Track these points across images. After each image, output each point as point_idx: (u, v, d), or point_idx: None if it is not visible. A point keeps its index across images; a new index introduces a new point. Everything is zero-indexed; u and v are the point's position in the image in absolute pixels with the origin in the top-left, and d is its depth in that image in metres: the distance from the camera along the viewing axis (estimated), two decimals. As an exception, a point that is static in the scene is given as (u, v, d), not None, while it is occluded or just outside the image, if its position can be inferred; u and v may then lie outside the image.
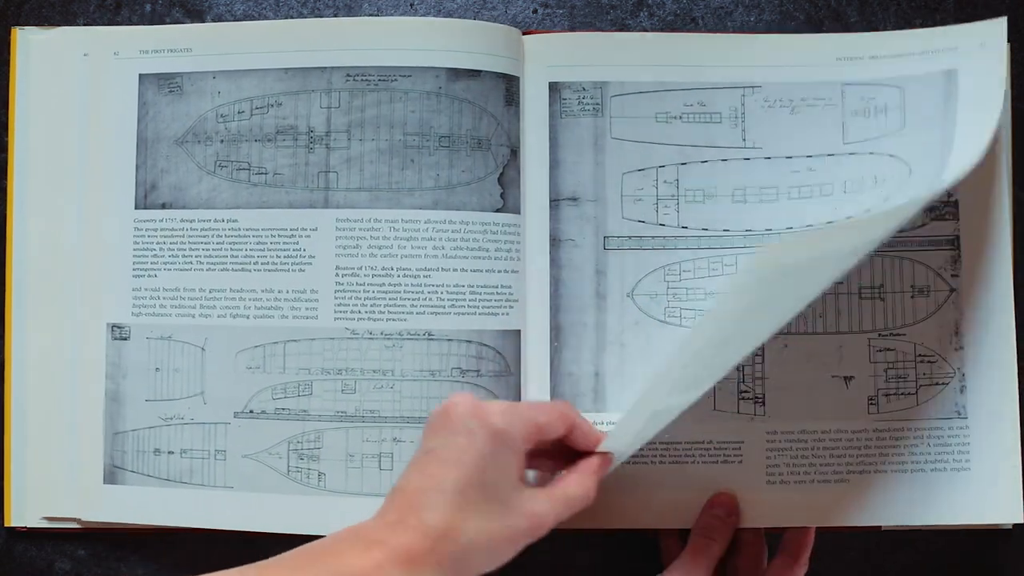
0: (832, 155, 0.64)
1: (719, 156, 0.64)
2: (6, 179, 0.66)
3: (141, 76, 0.65)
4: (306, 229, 0.64)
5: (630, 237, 0.64)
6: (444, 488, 0.50)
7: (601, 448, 0.56)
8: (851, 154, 0.63)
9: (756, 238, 0.64)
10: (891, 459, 0.62)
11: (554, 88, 0.65)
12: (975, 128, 0.59)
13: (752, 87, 0.64)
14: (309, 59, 0.64)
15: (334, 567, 0.49)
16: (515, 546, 0.52)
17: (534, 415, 0.53)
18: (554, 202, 0.64)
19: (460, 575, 0.50)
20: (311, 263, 0.63)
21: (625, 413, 0.55)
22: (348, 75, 0.64)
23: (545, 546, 0.66)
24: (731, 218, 0.64)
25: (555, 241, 0.64)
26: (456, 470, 0.50)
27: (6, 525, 0.65)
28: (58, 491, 0.64)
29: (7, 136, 0.65)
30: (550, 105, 0.65)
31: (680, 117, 0.64)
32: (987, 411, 0.63)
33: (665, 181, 0.64)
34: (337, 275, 0.63)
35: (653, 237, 0.64)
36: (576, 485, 0.55)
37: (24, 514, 0.64)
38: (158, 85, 0.65)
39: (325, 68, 0.64)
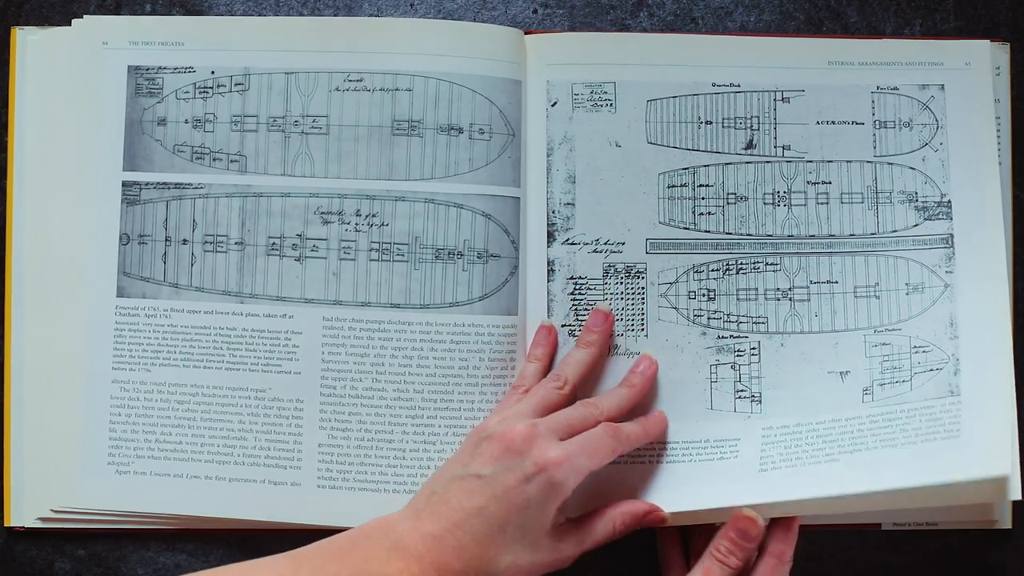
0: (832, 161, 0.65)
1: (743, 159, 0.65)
2: (6, 179, 0.65)
3: (130, 68, 0.65)
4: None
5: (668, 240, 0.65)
6: (488, 520, 0.53)
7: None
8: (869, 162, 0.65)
9: (795, 243, 0.65)
10: (881, 437, 0.62)
11: (560, 90, 0.65)
12: (971, 164, 0.63)
13: (781, 91, 0.65)
14: (307, 60, 0.64)
15: (371, 568, 0.52)
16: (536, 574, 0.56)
17: (587, 465, 0.56)
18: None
19: None
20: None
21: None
22: (349, 79, 0.64)
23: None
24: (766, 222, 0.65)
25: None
26: (503, 508, 0.53)
27: (6, 525, 0.65)
28: (58, 488, 0.64)
29: (7, 136, 0.65)
30: (550, 107, 0.65)
31: (709, 122, 0.65)
32: (980, 386, 0.62)
33: (701, 184, 0.65)
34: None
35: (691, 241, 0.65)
36: (604, 527, 0.58)
37: (23, 514, 0.64)
38: (137, 84, 0.65)
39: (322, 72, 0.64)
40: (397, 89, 0.64)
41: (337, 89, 0.64)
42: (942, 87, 0.64)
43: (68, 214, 0.65)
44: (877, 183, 0.64)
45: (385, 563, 0.52)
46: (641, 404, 0.63)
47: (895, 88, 0.64)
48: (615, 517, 0.59)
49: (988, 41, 0.65)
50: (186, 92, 0.65)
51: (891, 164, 0.64)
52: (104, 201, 0.65)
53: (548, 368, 0.63)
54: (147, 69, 0.65)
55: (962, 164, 0.64)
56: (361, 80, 0.64)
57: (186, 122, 0.65)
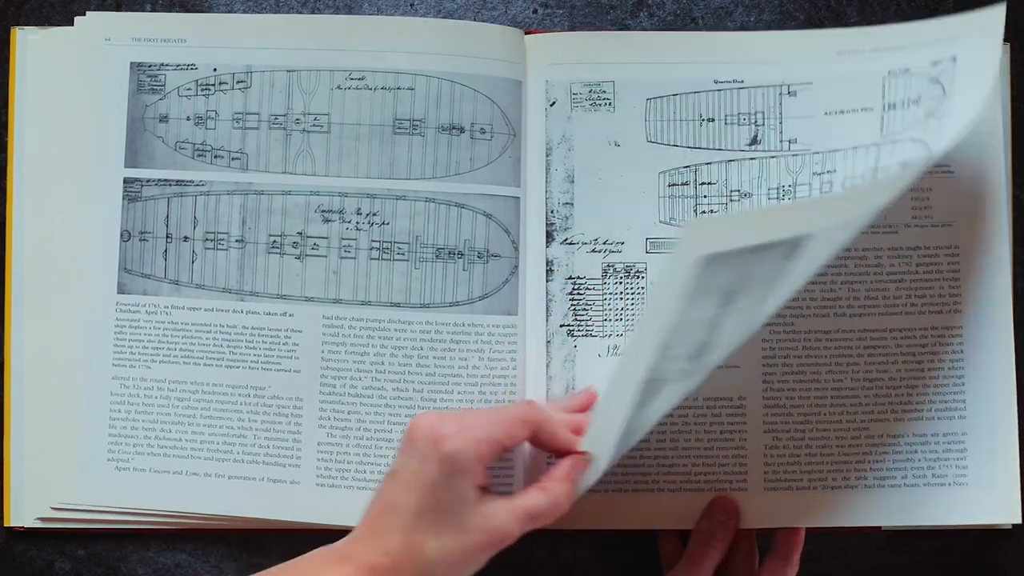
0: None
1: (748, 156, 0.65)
2: (6, 179, 0.66)
3: (132, 64, 0.65)
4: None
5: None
6: (400, 511, 0.52)
7: (579, 449, 0.56)
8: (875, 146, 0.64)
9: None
10: (884, 472, 0.63)
11: (559, 90, 0.65)
12: (967, 100, 0.59)
13: (788, 85, 0.64)
14: (308, 58, 0.64)
15: None
16: (477, 560, 0.54)
17: (487, 432, 0.54)
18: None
19: None
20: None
21: (593, 414, 0.55)
22: (351, 77, 0.64)
23: (545, 546, 0.66)
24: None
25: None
26: (412, 494, 0.52)
27: (6, 525, 0.64)
28: (58, 485, 0.64)
29: (7, 136, 0.65)
30: (551, 107, 0.65)
31: (711, 119, 0.65)
32: (986, 418, 0.63)
33: (703, 183, 0.65)
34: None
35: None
36: (540, 497, 0.55)
37: (23, 514, 0.64)
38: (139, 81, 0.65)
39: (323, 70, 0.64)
40: (399, 88, 0.64)
41: (339, 87, 0.64)
42: (954, 58, 0.61)
43: (68, 211, 0.65)
44: (879, 162, 0.63)
45: (322, 570, 0.52)
46: None
47: (907, 70, 0.63)
48: (552, 477, 0.56)
49: (1004, 5, 0.61)
50: (188, 89, 0.65)
51: (895, 142, 0.63)
52: (105, 198, 0.65)
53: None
54: (149, 66, 0.65)
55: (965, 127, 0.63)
56: (363, 79, 0.64)
57: (188, 119, 0.65)
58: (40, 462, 0.64)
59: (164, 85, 0.65)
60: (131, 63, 0.65)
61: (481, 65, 0.64)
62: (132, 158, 0.65)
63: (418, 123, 0.64)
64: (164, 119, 0.65)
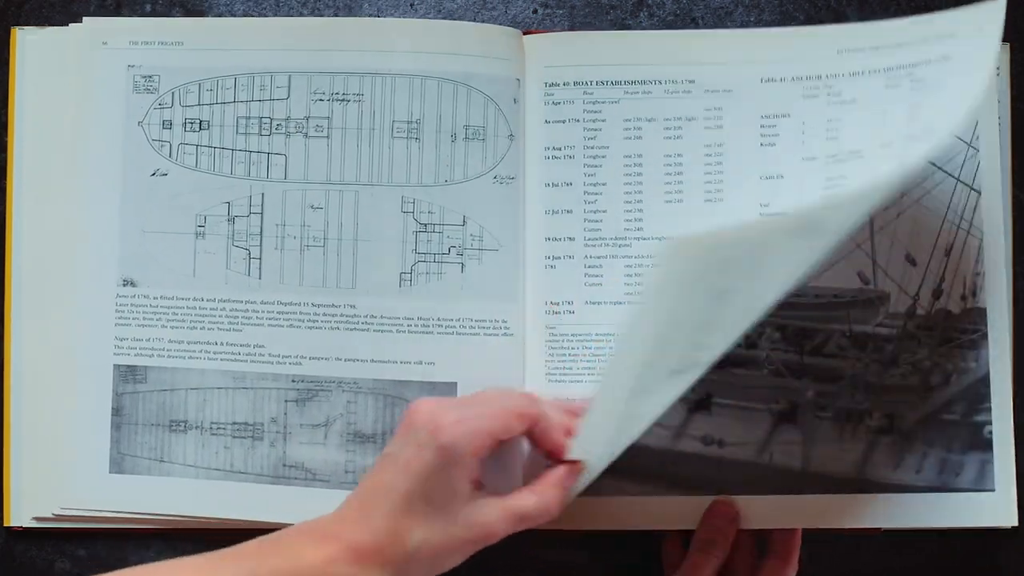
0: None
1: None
2: (6, 179, 0.66)
3: (129, 67, 0.65)
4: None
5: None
6: (391, 495, 0.52)
7: (570, 456, 0.56)
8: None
9: None
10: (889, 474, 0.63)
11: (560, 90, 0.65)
12: (963, 97, 0.57)
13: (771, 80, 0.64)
14: (308, 61, 0.64)
15: (289, 557, 0.51)
16: (461, 554, 0.54)
17: (485, 425, 0.54)
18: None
19: (391, 569, 0.52)
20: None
21: (585, 418, 0.55)
22: (349, 76, 0.64)
23: (545, 546, 0.66)
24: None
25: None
26: (404, 479, 0.52)
27: (6, 525, 0.65)
28: (58, 487, 0.64)
29: (7, 136, 0.65)
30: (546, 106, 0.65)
31: (696, 118, 0.65)
32: (984, 419, 0.63)
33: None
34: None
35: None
36: (531, 500, 0.55)
37: (23, 514, 0.64)
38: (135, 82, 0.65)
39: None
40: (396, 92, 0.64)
41: (337, 95, 0.64)
42: (950, 56, 0.60)
43: (68, 211, 0.65)
44: (880, 160, 0.63)
45: (299, 546, 0.52)
46: None
47: (905, 67, 0.62)
48: (545, 482, 0.57)
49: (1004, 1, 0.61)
50: (187, 93, 0.65)
51: (893, 140, 0.63)
52: (104, 199, 0.65)
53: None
54: (146, 68, 0.65)
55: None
56: (361, 96, 0.64)
57: (185, 122, 0.65)
58: (40, 462, 0.64)
59: (158, 88, 0.65)
60: (128, 66, 0.65)
61: (480, 67, 0.64)
62: (131, 163, 0.65)
63: (416, 126, 0.64)
64: (166, 124, 0.64)
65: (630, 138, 0.65)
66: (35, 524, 0.64)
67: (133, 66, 0.65)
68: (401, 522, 0.52)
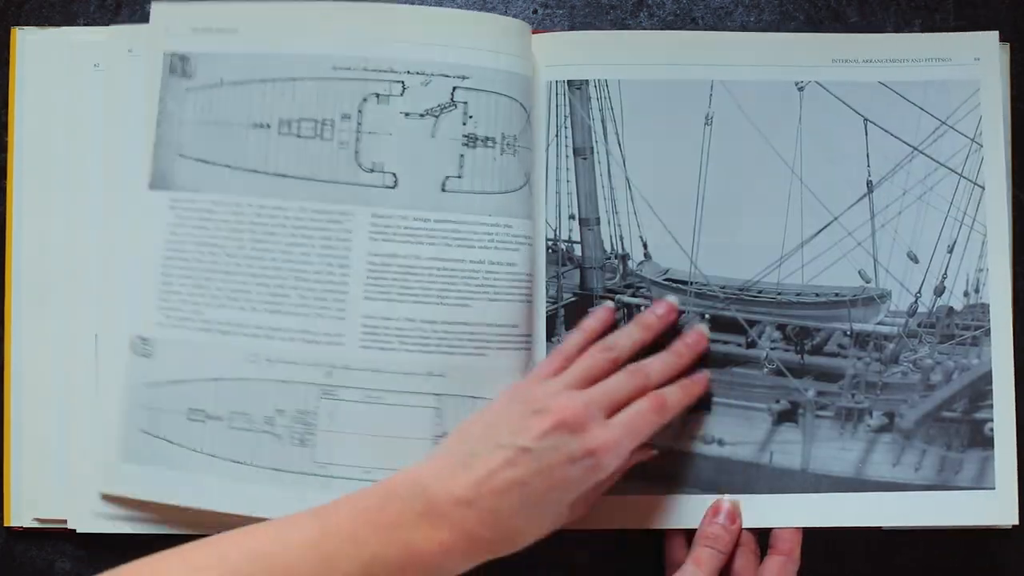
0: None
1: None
2: (6, 179, 0.66)
3: (165, 55, 0.63)
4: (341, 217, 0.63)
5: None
6: (527, 495, 0.53)
7: None
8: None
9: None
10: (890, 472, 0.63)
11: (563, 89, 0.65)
12: (958, 119, 0.61)
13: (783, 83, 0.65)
14: (355, 48, 0.63)
15: (405, 543, 0.51)
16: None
17: (635, 443, 0.57)
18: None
19: (489, 556, 0.54)
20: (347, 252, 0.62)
21: None
22: (393, 69, 0.63)
23: (545, 546, 0.66)
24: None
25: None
26: (544, 484, 0.53)
27: (6, 525, 0.65)
28: (58, 486, 0.64)
29: (7, 136, 0.65)
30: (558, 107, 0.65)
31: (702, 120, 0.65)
32: (985, 418, 0.63)
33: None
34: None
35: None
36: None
37: (23, 514, 0.64)
38: (171, 68, 0.63)
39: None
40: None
41: (377, 95, 0.63)
42: (947, 84, 0.63)
43: (68, 211, 0.65)
44: (869, 172, 0.64)
45: (414, 529, 0.51)
46: None
47: (898, 84, 0.64)
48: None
49: (997, 33, 0.64)
50: (234, 79, 0.63)
51: (884, 154, 0.64)
52: (103, 198, 0.64)
53: (591, 344, 0.61)
54: (190, 56, 0.63)
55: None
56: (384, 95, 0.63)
57: (199, 119, 0.64)
58: (40, 462, 0.64)
59: (197, 73, 0.63)
60: (169, 54, 0.63)
61: (499, 63, 0.63)
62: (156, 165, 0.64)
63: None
64: (201, 110, 0.63)
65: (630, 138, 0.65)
66: (35, 524, 0.64)
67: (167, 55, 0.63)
68: (523, 521, 0.53)
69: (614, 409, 0.57)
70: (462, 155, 0.62)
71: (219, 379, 0.62)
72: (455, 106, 0.62)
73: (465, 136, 0.62)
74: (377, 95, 0.62)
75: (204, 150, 0.63)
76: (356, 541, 0.51)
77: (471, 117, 0.62)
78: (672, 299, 0.63)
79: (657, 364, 0.60)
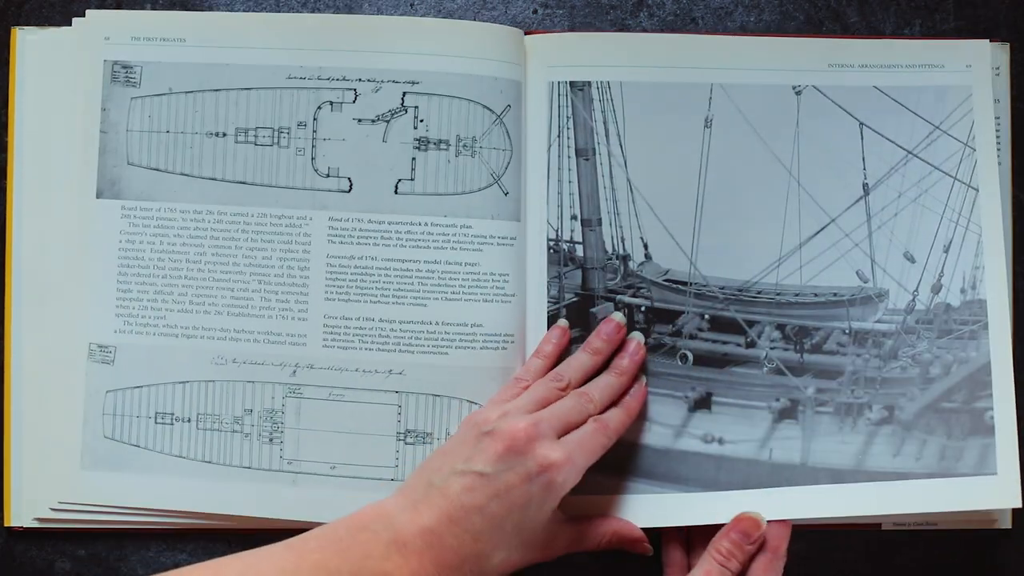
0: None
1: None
2: (6, 179, 0.65)
3: (116, 63, 0.64)
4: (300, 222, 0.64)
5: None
6: (488, 518, 0.54)
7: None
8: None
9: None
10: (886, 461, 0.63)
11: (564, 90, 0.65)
12: (949, 127, 0.62)
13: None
14: (309, 59, 0.64)
15: (375, 570, 0.52)
16: (524, 567, 0.57)
17: (590, 460, 0.58)
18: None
19: None
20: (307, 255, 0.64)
21: None
22: (345, 77, 0.64)
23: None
24: None
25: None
26: (501, 506, 0.54)
27: (6, 525, 0.65)
28: (58, 486, 0.64)
29: (7, 136, 0.65)
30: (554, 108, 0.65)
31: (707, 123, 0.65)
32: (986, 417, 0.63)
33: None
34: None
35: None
36: (593, 537, 0.61)
37: (23, 514, 0.64)
38: (114, 75, 0.64)
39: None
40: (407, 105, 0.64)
41: (331, 103, 0.64)
42: (941, 90, 0.64)
43: (68, 211, 0.65)
44: (863, 176, 0.64)
45: (384, 559, 0.52)
46: None
47: (893, 89, 0.64)
48: (607, 533, 0.61)
49: (988, 41, 0.65)
50: (184, 88, 0.64)
51: (879, 157, 0.64)
52: (104, 200, 0.65)
53: (551, 367, 0.63)
54: (134, 65, 0.64)
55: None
56: (355, 100, 0.64)
57: (148, 128, 0.64)
58: (40, 462, 0.64)
59: (142, 81, 0.64)
60: (114, 62, 0.64)
61: (483, 69, 0.64)
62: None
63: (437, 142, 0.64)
64: (149, 119, 0.64)
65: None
66: (35, 524, 0.64)
67: (119, 62, 0.64)
68: (488, 545, 0.54)
69: (564, 431, 0.58)
70: (414, 158, 0.64)
71: (186, 382, 0.64)
72: (405, 111, 0.64)
73: (416, 140, 0.64)
74: (331, 103, 0.64)
75: (156, 159, 0.64)
76: (329, 571, 0.52)
77: (422, 121, 0.64)
78: (618, 316, 0.64)
79: (602, 389, 0.61)
